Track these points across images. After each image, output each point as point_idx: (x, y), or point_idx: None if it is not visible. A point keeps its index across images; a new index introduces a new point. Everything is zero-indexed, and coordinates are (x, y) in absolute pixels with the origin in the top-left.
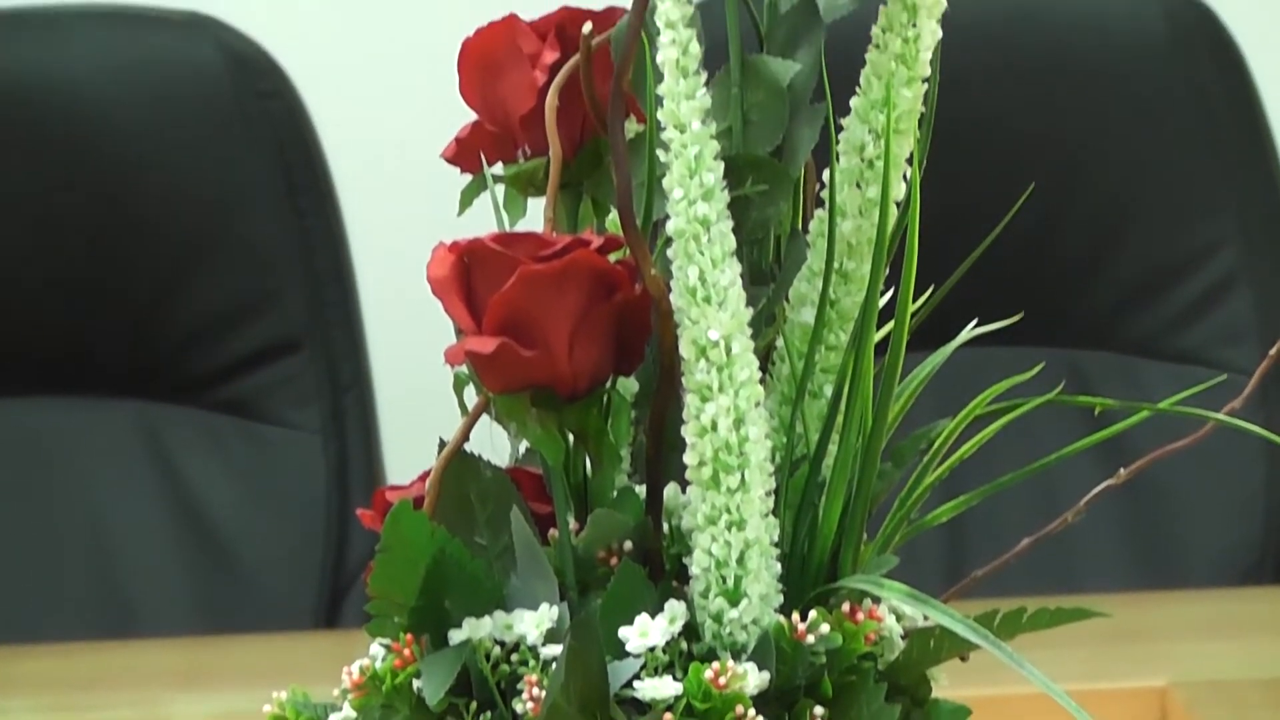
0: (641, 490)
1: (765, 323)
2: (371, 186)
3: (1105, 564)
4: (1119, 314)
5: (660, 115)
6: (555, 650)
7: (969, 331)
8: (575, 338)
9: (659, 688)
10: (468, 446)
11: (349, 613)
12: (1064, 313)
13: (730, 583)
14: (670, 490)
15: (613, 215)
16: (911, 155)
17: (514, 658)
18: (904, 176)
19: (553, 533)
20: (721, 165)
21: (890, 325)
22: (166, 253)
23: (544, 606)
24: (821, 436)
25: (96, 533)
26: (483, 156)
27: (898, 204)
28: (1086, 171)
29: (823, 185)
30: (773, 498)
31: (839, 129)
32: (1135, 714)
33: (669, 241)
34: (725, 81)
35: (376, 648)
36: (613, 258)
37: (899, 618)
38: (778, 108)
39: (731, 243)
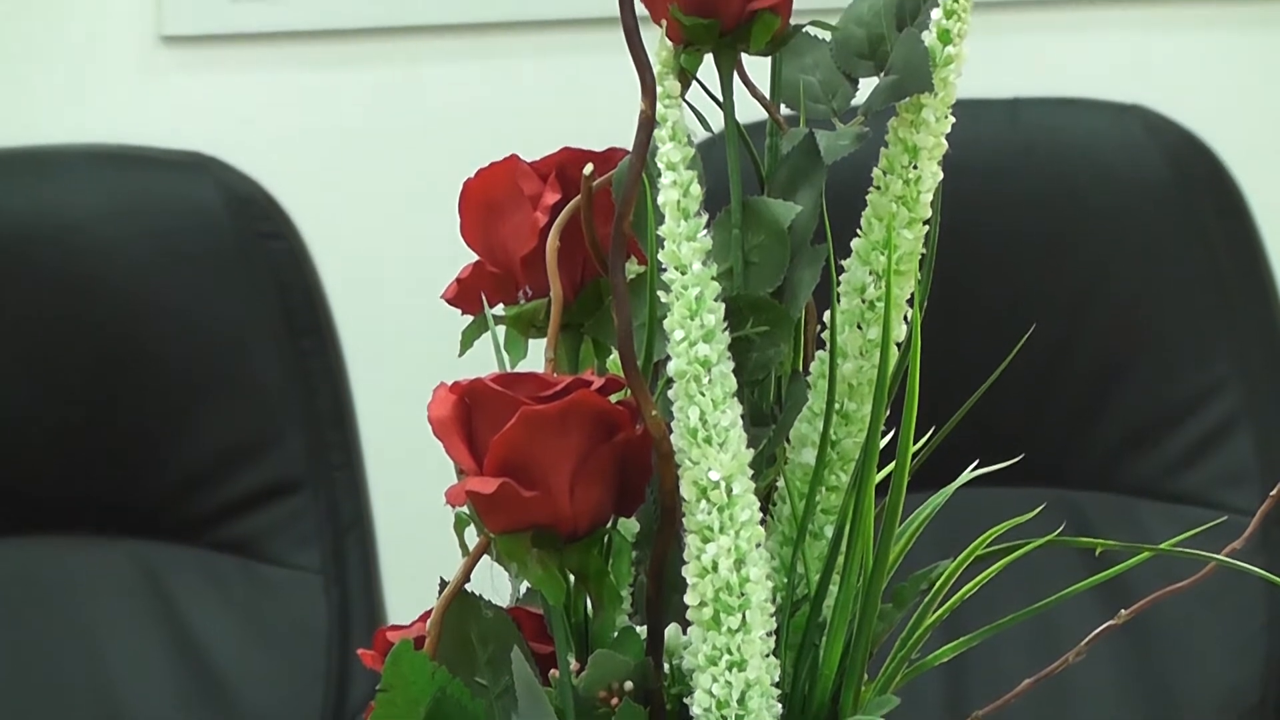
0: (642, 631)
1: (766, 463)
2: (372, 327)
3: (1105, 704)
4: (1120, 455)
5: (661, 256)
6: None
7: (970, 473)
8: (576, 478)
9: None
10: (469, 586)
11: None
12: (1065, 454)
13: None
14: (671, 630)
15: (614, 356)
16: (912, 297)
17: None
18: (905, 318)
19: (554, 673)
20: (722, 306)
21: (891, 466)
22: (167, 392)
23: None
24: (822, 577)
25: (97, 673)
26: (484, 297)
27: (899, 345)
28: (1088, 312)
29: (824, 326)
30: (774, 638)
31: (840, 270)
32: None
33: (670, 382)
34: (726, 223)
35: None
36: (614, 398)
37: None
38: (779, 249)
39: (732, 384)
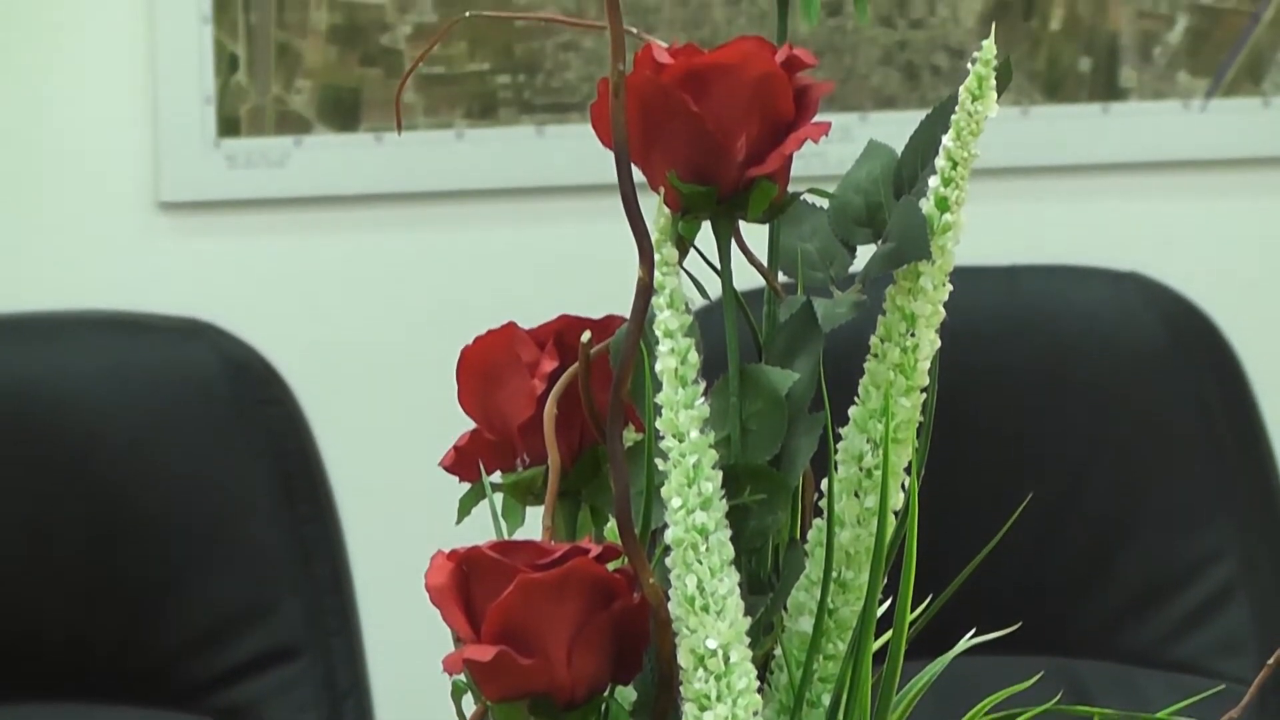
0: None
1: (763, 631)
2: (369, 493)
3: None
4: (1118, 623)
5: (659, 424)
6: None
7: (967, 641)
8: (574, 646)
9: None
10: None
11: None
12: (1063, 621)
13: None
14: None
15: (611, 523)
16: (910, 464)
17: None
18: (902, 486)
19: None
20: (720, 474)
21: (889, 634)
22: (164, 558)
23: None
24: None
25: None
26: (481, 465)
27: (896, 513)
28: (1086, 478)
29: (821, 494)
30: None
31: (838, 438)
32: None
33: (667, 550)
34: (724, 390)
35: None
36: (611, 566)
37: None
38: (776, 417)
39: (729, 552)
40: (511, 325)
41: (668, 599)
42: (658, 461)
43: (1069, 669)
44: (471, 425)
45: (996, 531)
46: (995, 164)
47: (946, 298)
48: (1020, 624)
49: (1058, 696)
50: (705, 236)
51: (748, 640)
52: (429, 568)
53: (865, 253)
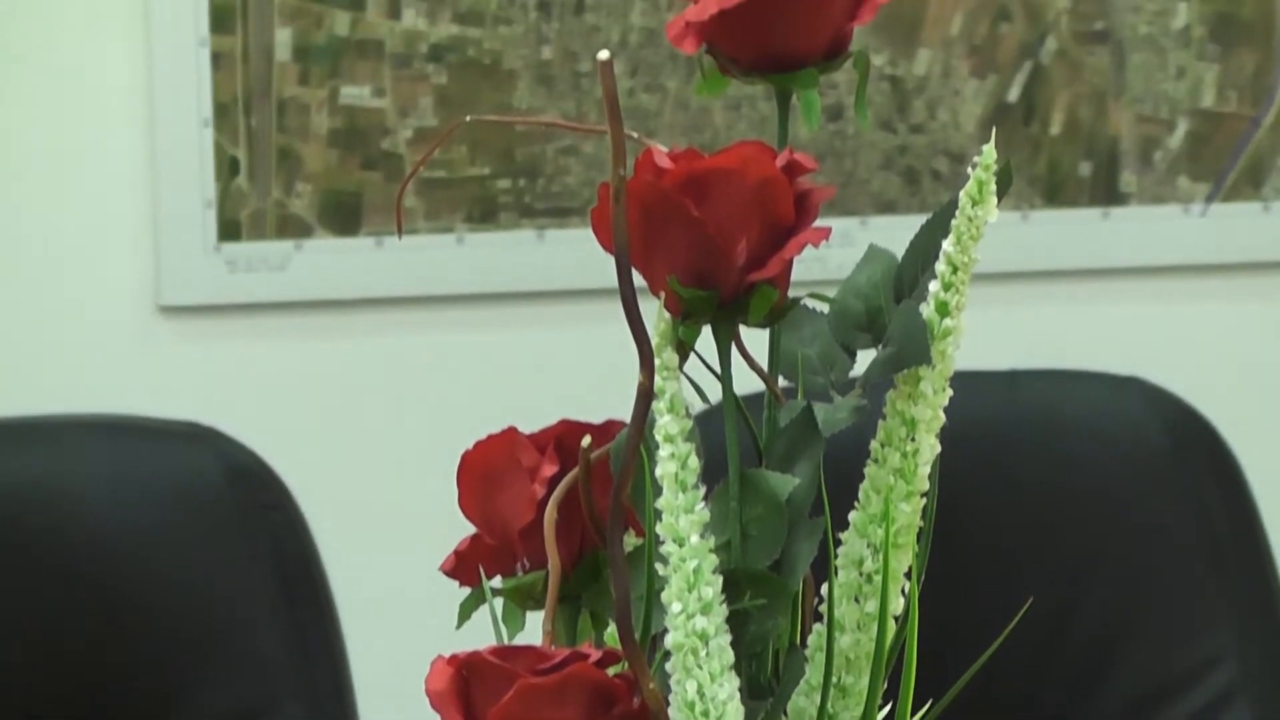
0: None
1: None
2: (371, 598)
3: None
4: None
5: (659, 528)
6: None
7: None
8: None
9: None
10: None
11: None
12: None
13: None
14: None
15: (611, 628)
16: (910, 569)
17: None
18: (903, 591)
19: None
20: (720, 579)
21: None
22: (163, 663)
23: None
24: None
25: None
26: (482, 569)
27: (896, 618)
28: (1086, 583)
29: (821, 599)
30: None
31: (838, 543)
32: None
33: (667, 655)
34: (724, 495)
35: None
36: (611, 671)
37: None
38: (776, 522)
39: (730, 657)
40: (512, 430)
41: (668, 704)
42: (658, 566)
43: None
44: (472, 530)
45: (997, 636)
46: (996, 268)
47: (947, 402)
48: None
49: None
50: (706, 340)
51: None
52: (429, 672)
53: (865, 357)
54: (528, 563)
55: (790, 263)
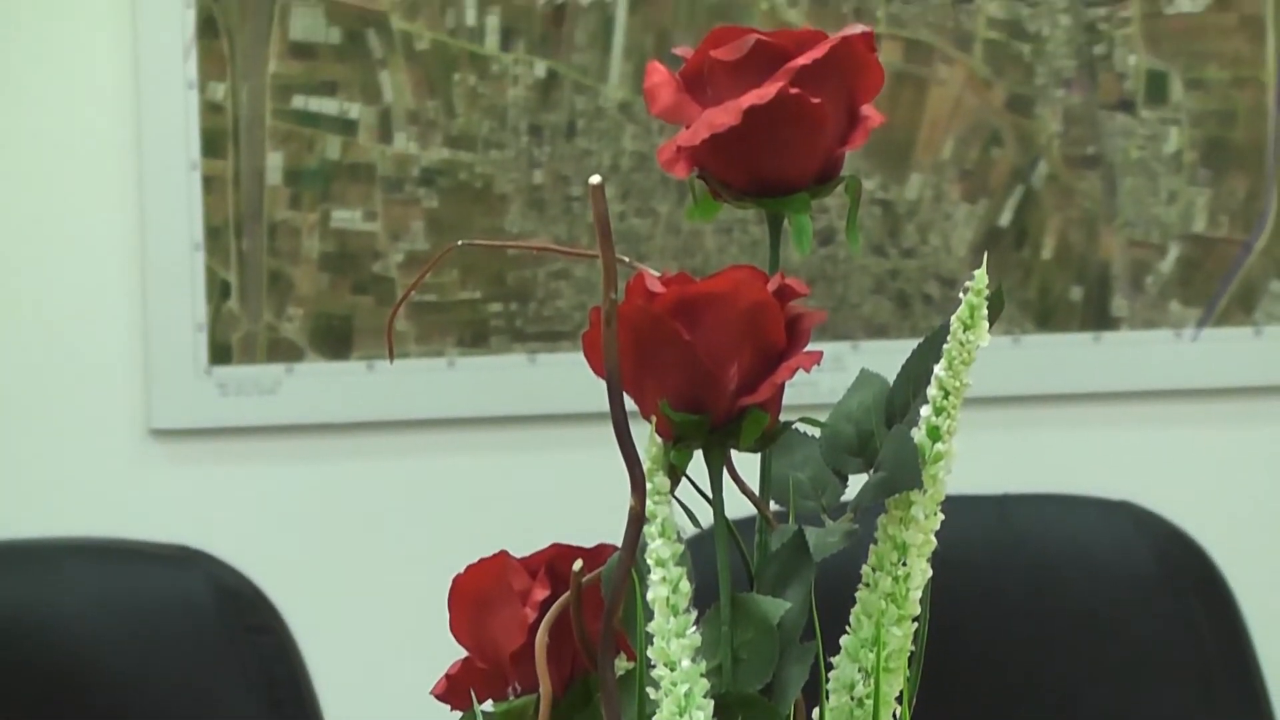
0: None
1: None
2: None
3: None
4: None
5: (651, 653)
6: None
7: None
8: None
9: None
10: None
11: None
12: None
13: None
14: None
15: None
16: (902, 694)
17: None
18: (894, 715)
19: None
20: (711, 703)
21: None
22: None
23: None
24: None
25: None
26: (473, 694)
27: None
28: (1077, 706)
29: None
30: None
31: (829, 667)
32: None
33: None
34: (716, 619)
35: None
36: None
37: None
38: (768, 646)
39: None
40: (503, 554)
41: None
42: (649, 690)
43: None
44: (463, 653)
45: None
46: (987, 393)
47: (938, 526)
48: None
49: None
50: (697, 463)
51: None
52: None
53: (857, 481)
54: (519, 687)
55: (782, 387)
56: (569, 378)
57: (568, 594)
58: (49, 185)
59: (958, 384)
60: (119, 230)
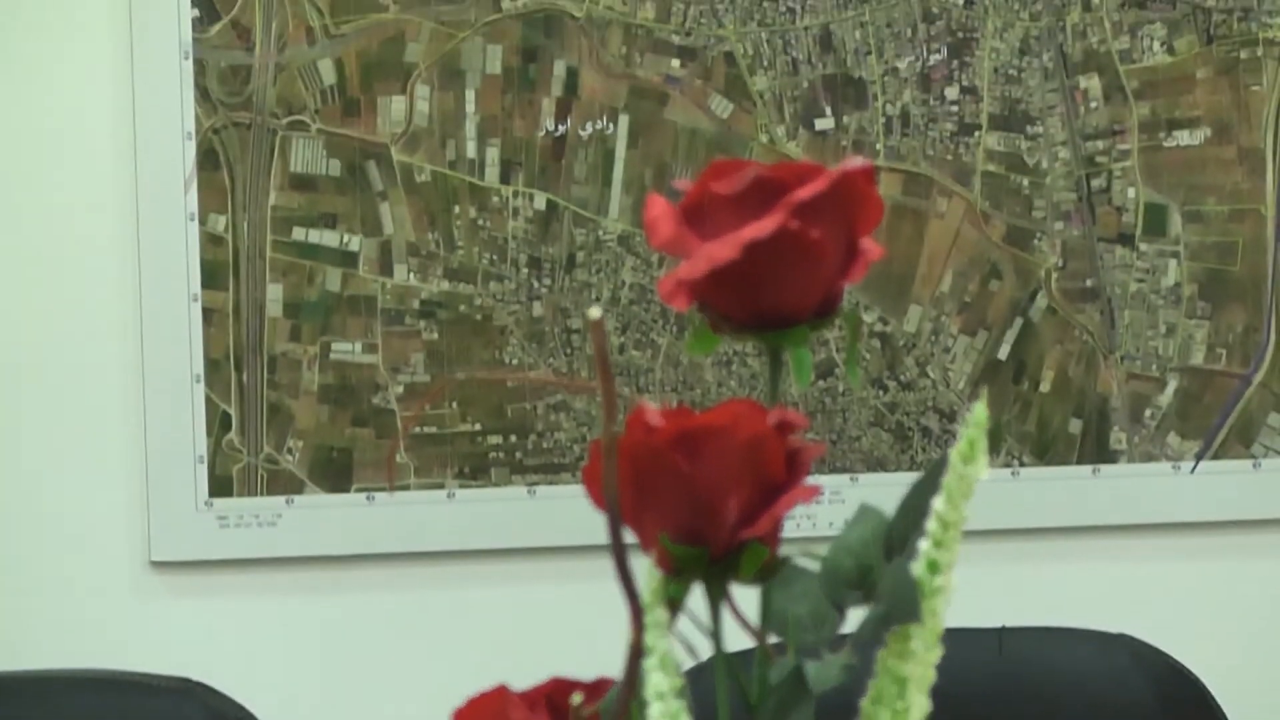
0: None
1: None
2: None
3: None
4: None
5: None
6: None
7: None
8: None
9: None
10: None
11: None
12: None
13: None
14: None
15: None
16: None
17: None
18: None
19: None
20: None
21: None
22: None
23: None
24: None
25: None
26: None
27: None
28: None
29: None
30: None
31: None
32: None
33: None
34: None
35: None
36: None
37: None
38: None
39: None
40: (503, 688)
41: None
42: None
43: None
44: None
45: None
46: (986, 526)
47: (938, 660)
48: None
49: None
50: (697, 594)
51: None
52: None
53: (856, 614)
54: None
55: (781, 520)
56: (569, 510)
57: None
58: (51, 316)
59: (956, 517)
60: (120, 361)
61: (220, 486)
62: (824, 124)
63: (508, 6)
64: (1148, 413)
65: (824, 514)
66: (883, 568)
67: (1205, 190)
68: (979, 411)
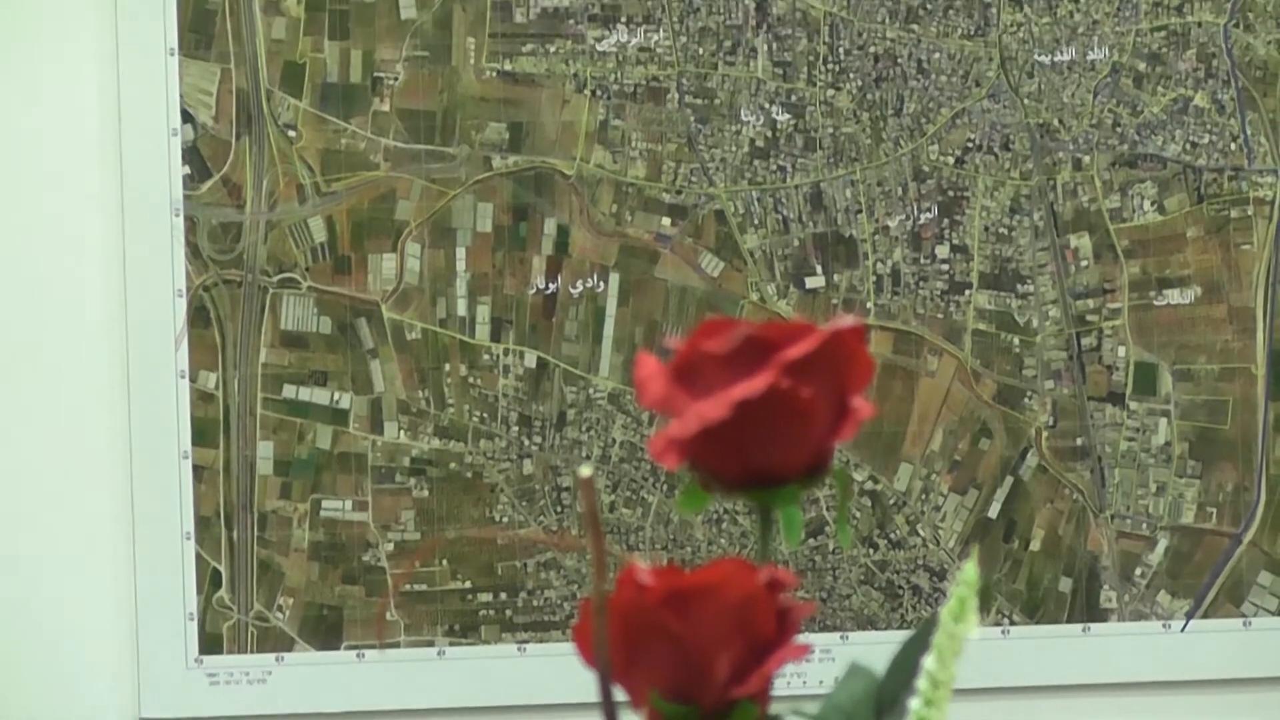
0: None
1: None
2: None
3: None
4: None
5: None
6: None
7: None
8: None
9: None
10: None
11: None
12: None
13: None
14: None
15: None
16: None
17: None
18: None
19: None
20: None
21: None
22: None
23: None
24: None
25: None
26: None
27: None
28: None
29: None
30: None
31: None
32: None
33: None
34: None
35: None
36: None
37: None
38: None
39: None
40: None
41: None
42: None
43: None
44: None
45: None
46: (976, 684)
47: None
48: None
49: None
50: None
51: None
52: None
53: None
54: None
55: (771, 678)
56: (559, 668)
57: None
58: (42, 474)
59: (947, 676)
60: (111, 518)
61: (210, 644)
62: (815, 282)
63: (499, 164)
64: (1138, 571)
65: (814, 672)
66: None
67: (1196, 349)
68: (969, 570)
